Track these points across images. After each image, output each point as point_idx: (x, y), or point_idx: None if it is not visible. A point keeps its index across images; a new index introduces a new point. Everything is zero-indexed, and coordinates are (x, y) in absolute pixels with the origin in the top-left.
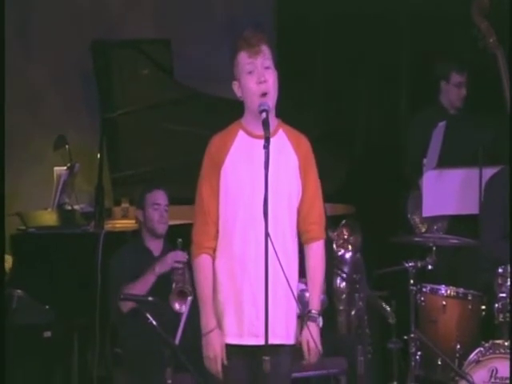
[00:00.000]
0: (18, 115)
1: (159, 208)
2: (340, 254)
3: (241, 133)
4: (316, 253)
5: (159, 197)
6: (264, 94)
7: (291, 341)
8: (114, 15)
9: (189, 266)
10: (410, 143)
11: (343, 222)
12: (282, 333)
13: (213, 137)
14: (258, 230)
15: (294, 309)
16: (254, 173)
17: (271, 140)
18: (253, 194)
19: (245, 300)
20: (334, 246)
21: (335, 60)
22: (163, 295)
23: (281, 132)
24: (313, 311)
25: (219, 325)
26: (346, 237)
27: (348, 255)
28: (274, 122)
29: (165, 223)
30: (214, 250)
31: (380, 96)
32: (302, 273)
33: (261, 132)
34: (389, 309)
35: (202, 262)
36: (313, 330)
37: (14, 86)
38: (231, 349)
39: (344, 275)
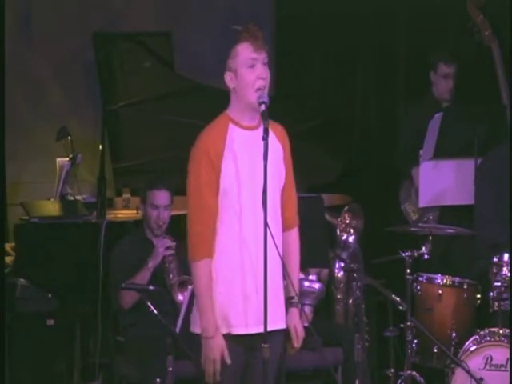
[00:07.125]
0: (20, 106)
1: (157, 209)
2: (343, 238)
3: (231, 126)
4: (296, 239)
5: (158, 198)
6: (260, 89)
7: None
8: (116, 7)
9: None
10: (403, 133)
11: (345, 208)
12: (284, 318)
13: (202, 135)
14: (259, 221)
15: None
16: (250, 163)
17: (257, 132)
18: (251, 186)
19: (248, 289)
20: (338, 231)
21: (333, 50)
22: (159, 284)
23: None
24: (295, 297)
25: (222, 316)
26: (347, 221)
27: (351, 238)
28: (257, 114)
29: (163, 223)
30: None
31: (377, 86)
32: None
33: (249, 123)
34: (398, 299)
35: (203, 267)
36: (296, 315)
37: (17, 77)
38: (233, 337)
39: (343, 261)
